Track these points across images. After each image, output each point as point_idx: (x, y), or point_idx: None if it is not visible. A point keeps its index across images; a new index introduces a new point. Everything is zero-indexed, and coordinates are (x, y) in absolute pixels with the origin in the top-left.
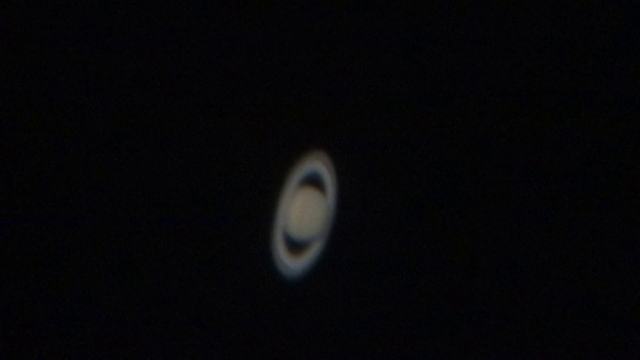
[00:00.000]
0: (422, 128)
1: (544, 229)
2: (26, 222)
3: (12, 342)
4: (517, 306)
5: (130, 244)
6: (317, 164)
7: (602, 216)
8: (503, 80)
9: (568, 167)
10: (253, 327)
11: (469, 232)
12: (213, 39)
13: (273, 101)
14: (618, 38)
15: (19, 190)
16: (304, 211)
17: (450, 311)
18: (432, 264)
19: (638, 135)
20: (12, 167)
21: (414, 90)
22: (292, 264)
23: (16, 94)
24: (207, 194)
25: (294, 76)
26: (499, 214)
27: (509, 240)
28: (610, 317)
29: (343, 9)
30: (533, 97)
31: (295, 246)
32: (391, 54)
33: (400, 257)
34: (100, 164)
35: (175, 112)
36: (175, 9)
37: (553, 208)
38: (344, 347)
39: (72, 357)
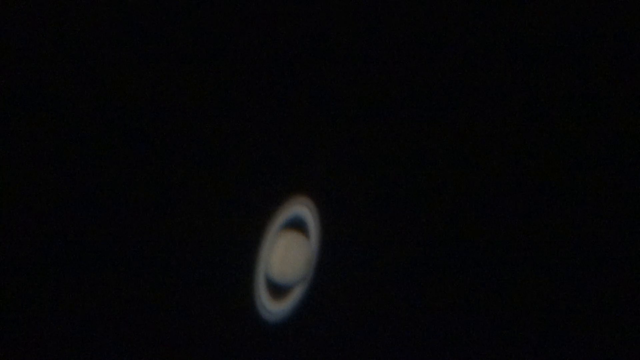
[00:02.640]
0: (408, 170)
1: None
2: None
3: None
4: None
5: (109, 288)
6: (300, 207)
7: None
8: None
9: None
10: None
11: (460, 274)
12: (196, 83)
13: (255, 144)
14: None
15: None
16: (286, 255)
17: (439, 355)
18: (419, 309)
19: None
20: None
21: (400, 133)
22: (274, 309)
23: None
24: (187, 239)
25: (275, 117)
26: (493, 267)
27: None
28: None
29: (327, 52)
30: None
31: (278, 290)
32: (374, 97)
33: (385, 301)
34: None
35: (157, 155)
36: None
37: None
38: None
39: None
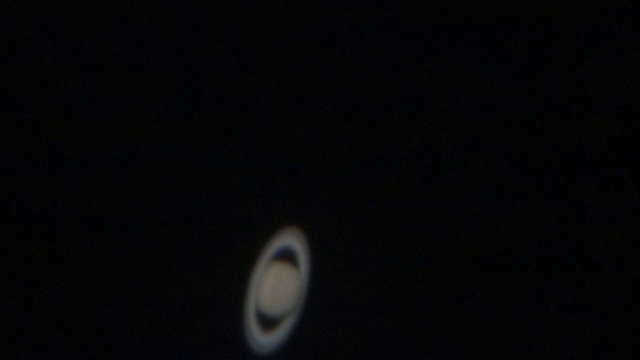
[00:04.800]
0: (399, 202)
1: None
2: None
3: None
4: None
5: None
6: (290, 238)
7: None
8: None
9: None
10: None
11: (454, 305)
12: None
13: (245, 174)
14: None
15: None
16: (276, 286)
17: None
18: (411, 339)
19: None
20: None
21: (391, 161)
22: (264, 340)
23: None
24: (177, 270)
25: (265, 148)
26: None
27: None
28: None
29: (322, 75)
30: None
31: (268, 322)
32: (366, 122)
33: (376, 333)
34: None
35: (146, 184)
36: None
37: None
38: None
39: None
